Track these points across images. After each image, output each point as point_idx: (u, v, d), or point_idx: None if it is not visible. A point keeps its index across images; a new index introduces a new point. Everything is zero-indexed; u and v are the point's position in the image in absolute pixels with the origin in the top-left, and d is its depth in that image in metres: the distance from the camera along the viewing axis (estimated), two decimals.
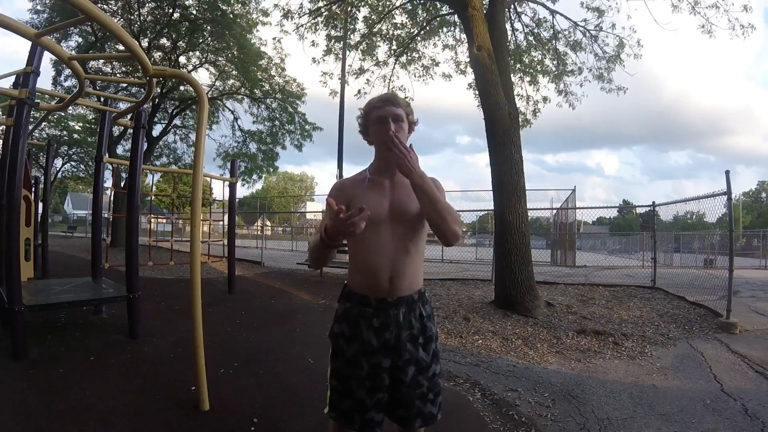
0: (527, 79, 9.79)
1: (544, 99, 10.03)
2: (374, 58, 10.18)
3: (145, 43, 12.53)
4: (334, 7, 9.35)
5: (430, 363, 1.43)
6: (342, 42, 9.78)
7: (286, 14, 9.23)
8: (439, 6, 9.08)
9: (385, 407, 1.42)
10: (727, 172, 5.06)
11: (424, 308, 1.45)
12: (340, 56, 10.03)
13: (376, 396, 1.38)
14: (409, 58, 10.14)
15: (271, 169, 17.41)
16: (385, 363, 1.38)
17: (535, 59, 9.77)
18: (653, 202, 8.04)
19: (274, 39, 12.83)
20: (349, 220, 1.12)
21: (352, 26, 9.83)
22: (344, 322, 1.43)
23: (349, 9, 9.38)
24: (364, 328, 1.38)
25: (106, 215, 7.78)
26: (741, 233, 23.79)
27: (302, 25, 9.43)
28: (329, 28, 9.65)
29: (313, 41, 9.72)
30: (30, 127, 4.31)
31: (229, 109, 16.10)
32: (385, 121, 1.38)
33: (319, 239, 1.28)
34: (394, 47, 9.97)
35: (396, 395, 1.40)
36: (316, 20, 9.44)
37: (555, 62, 9.61)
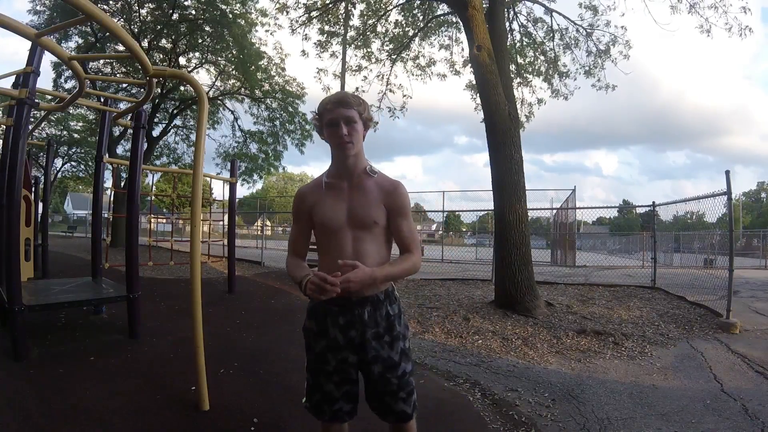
0: (518, 80, 9.81)
1: (540, 101, 10.06)
2: (371, 57, 10.20)
3: (145, 43, 12.52)
4: (329, 4, 9.36)
5: (399, 361, 1.43)
6: (342, 39, 9.79)
7: (281, 8, 9.25)
8: (437, 5, 9.08)
9: (355, 398, 1.47)
10: (727, 172, 5.06)
11: (391, 307, 1.45)
12: (337, 53, 10.05)
13: (344, 388, 1.44)
14: (407, 57, 10.16)
15: (272, 169, 17.39)
16: (352, 359, 1.42)
17: (528, 59, 9.80)
18: (653, 202, 8.03)
19: (267, 31, 12.85)
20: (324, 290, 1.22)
21: (351, 23, 9.86)
22: (313, 318, 1.46)
23: (347, 6, 9.40)
24: (331, 324, 1.42)
25: (106, 215, 7.78)
26: (741, 233, 23.79)
27: (296, 20, 9.44)
28: (323, 23, 9.66)
29: (306, 35, 9.73)
30: (30, 127, 4.31)
31: (229, 109, 16.12)
32: (337, 124, 1.37)
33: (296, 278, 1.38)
34: (392, 46, 9.98)
35: (368, 388, 1.46)
36: (310, 15, 9.45)
37: (547, 63, 9.64)
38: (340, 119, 1.37)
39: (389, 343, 1.43)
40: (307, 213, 1.46)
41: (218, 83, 15.01)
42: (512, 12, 9.08)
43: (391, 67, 10.13)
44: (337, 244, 1.39)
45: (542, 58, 9.66)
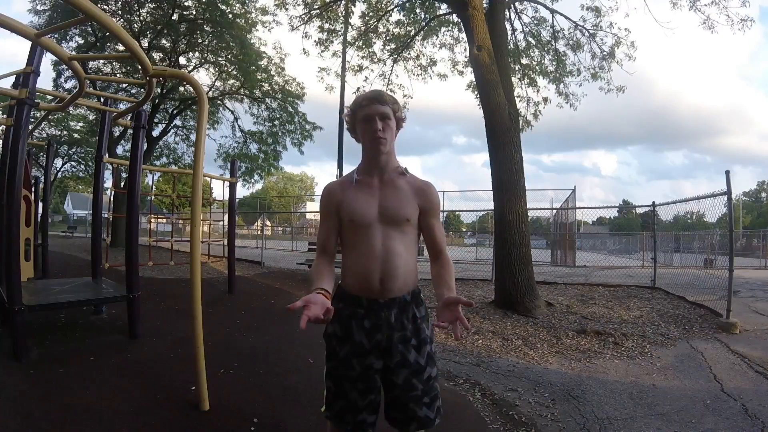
0: (525, 80, 9.79)
1: (545, 100, 10.03)
2: (373, 57, 10.20)
3: (145, 43, 12.52)
4: (330, 2, 9.36)
5: (425, 366, 1.39)
6: (342, 39, 9.78)
7: (280, 4, 9.25)
8: (437, 5, 9.08)
9: (378, 409, 1.41)
10: (727, 173, 5.06)
11: (418, 310, 1.42)
12: (338, 53, 10.03)
13: (368, 398, 1.38)
14: (407, 56, 10.16)
15: (273, 169, 17.38)
16: (377, 364, 1.37)
17: (534, 60, 9.77)
18: (653, 202, 8.04)
19: (265, 27, 12.80)
20: (318, 320, 1.15)
21: (351, 22, 9.85)
22: (337, 323, 1.41)
23: (347, 5, 9.39)
24: (356, 328, 1.37)
25: (106, 215, 7.77)
26: (741, 233, 23.81)
27: (297, 17, 9.45)
28: (323, 20, 9.66)
29: (305, 32, 9.72)
30: (30, 127, 4.31)
31: (229, 110, 16.12)
32: (372, 119, 1.37)
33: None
34: (392, 46, 9.98)
35: (390, 397, 1.40)
36: (310, 12, 9.45)
37: (554, 63, 9.60)
38: (375, 115, 1.37)
39: (416, 347, 1.39)
40: (334, 209, 1.43)
41: (218, 83, 15.02)
42: (513, 12, 9.06)
43: (393, 66, 10.14)
44: (366, 241, 1.36)
45: (548, 56, 9.62)
